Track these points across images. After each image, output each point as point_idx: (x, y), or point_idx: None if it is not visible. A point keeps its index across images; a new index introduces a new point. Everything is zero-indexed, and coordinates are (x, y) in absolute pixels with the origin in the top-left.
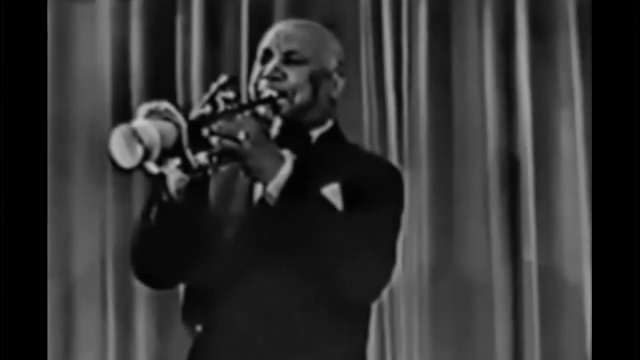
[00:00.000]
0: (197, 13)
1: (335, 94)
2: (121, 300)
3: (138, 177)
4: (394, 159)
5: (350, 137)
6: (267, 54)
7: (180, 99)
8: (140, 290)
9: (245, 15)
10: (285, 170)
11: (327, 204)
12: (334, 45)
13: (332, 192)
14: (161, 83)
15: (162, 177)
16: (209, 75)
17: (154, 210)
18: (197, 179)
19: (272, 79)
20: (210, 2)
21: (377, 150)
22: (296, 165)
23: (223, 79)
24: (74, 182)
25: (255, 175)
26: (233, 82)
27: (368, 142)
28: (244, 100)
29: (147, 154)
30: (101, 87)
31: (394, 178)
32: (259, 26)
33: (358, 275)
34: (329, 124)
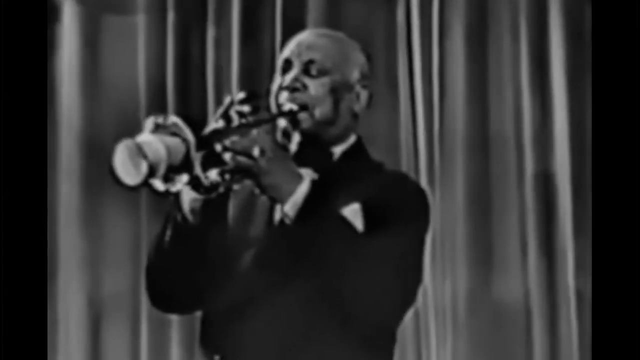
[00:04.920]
0: (234, 25)
1: (358, 107)
2: (154, 324)
3: None
4: (423, 176)
5: (387, 152)
6: (287, 64)
7: (211, 113)
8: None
9: (278, 26)
10: (303, 188)
11: (347, 225)
12: (357, 56)
13: (352, 212)
14: (195, 97)
15: (175, 196)
16: (245, 88)
17: (168, 231)
18: (213, 200)
19: (291, 89)
20: (245, 14)
21: (411, 165)
22: (315, 183)
23: (240, 94)
24: (106, 201)
25: (270, 194)
26: (252, 97)
27: (405, 155)
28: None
29: (152, 171)
30: (135, 101)
31: (418, 198)
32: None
33: (380, 299)
34: (352, 139)
